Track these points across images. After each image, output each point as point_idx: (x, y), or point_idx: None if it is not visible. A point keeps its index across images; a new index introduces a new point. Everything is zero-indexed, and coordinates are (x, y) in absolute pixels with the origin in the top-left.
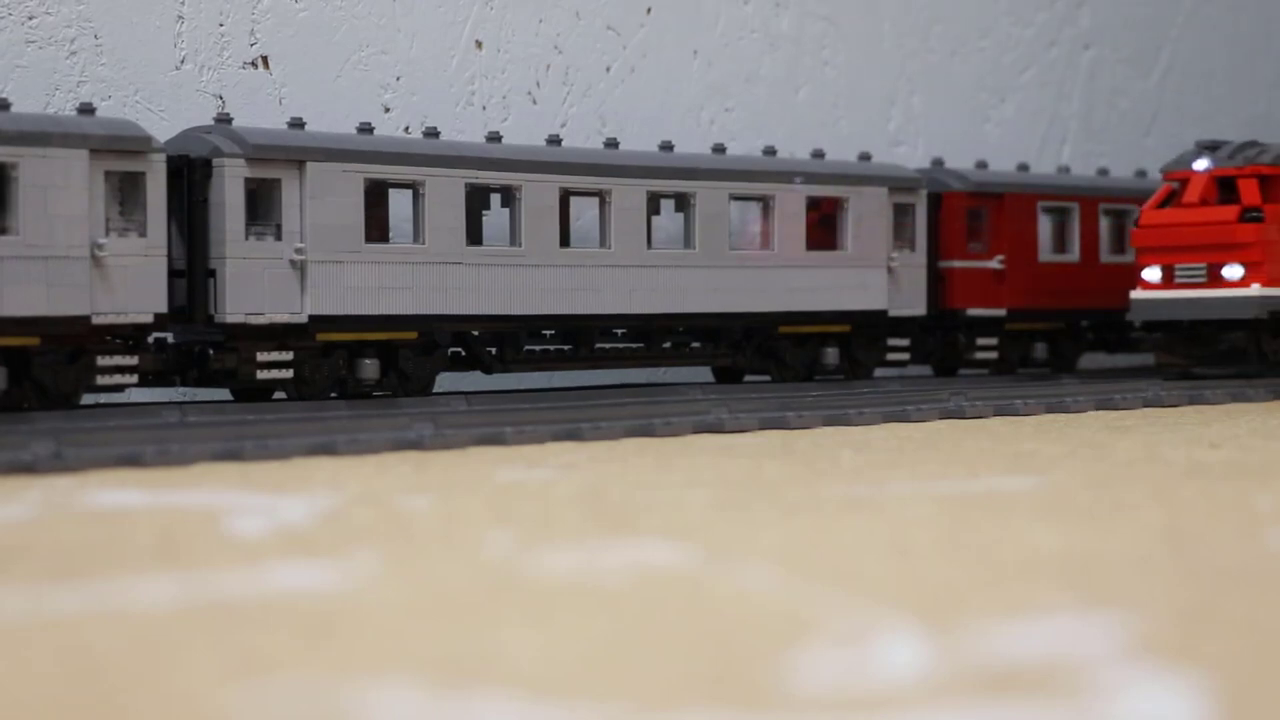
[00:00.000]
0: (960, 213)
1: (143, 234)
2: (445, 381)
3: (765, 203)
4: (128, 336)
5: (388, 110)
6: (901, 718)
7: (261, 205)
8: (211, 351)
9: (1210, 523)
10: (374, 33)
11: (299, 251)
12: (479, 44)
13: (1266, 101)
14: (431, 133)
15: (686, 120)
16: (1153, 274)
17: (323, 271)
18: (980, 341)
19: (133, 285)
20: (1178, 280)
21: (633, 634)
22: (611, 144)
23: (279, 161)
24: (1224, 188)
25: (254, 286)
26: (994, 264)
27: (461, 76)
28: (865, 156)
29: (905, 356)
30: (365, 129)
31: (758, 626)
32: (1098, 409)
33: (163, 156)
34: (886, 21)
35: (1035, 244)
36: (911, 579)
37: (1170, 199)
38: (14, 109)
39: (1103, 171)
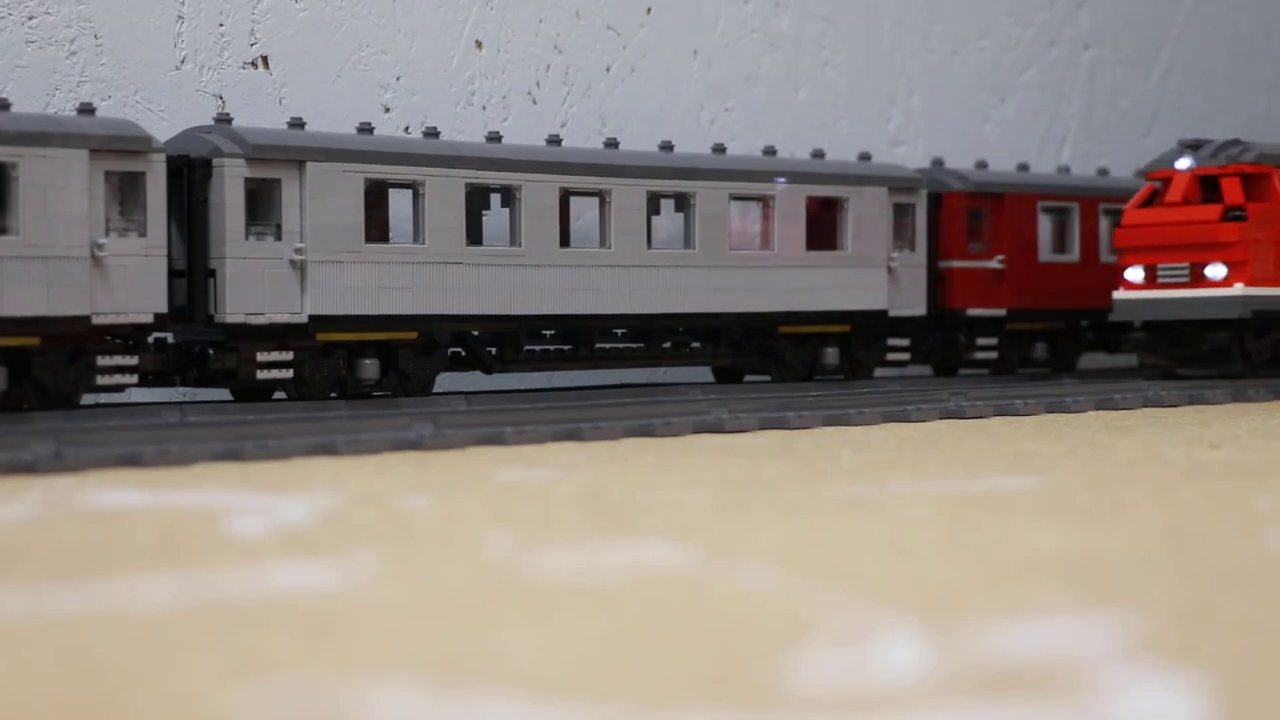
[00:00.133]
0: (960, 213)
1: (143, 234)
2: (445, 381)
3: (765, 203)
4: (128, 336)
5: (388, 110)
6: (901, 718)
7: (261, 205)
8: (211, 351)
9: (1210, 523)
10: (374, 33)
11: (299, 251)
12: (479, 44)
13: (1266, 101)
14: (431, 133)
15: (686, 120)
16: (1135, 274)
17: (323, 271)
18: (980, 341)
19: (133, 285)
20: (1160, 280)
21: (633, 634)
22: (611, 144)
23: (279, 161)
24: (1207, 187)
25: (254, 286)
26: (994, 264)
27: (461, 76)
28: (865, 156)
29: (905, 356)
30: (365, 129)
31: (758, 626)
32: (1098, 409)
33: (163, 156)
34: (886, 21)
35: (1035, 244)
36: (911, 579)
37: (1153, 198)
38: (14, 109)
39: (1103, 171)
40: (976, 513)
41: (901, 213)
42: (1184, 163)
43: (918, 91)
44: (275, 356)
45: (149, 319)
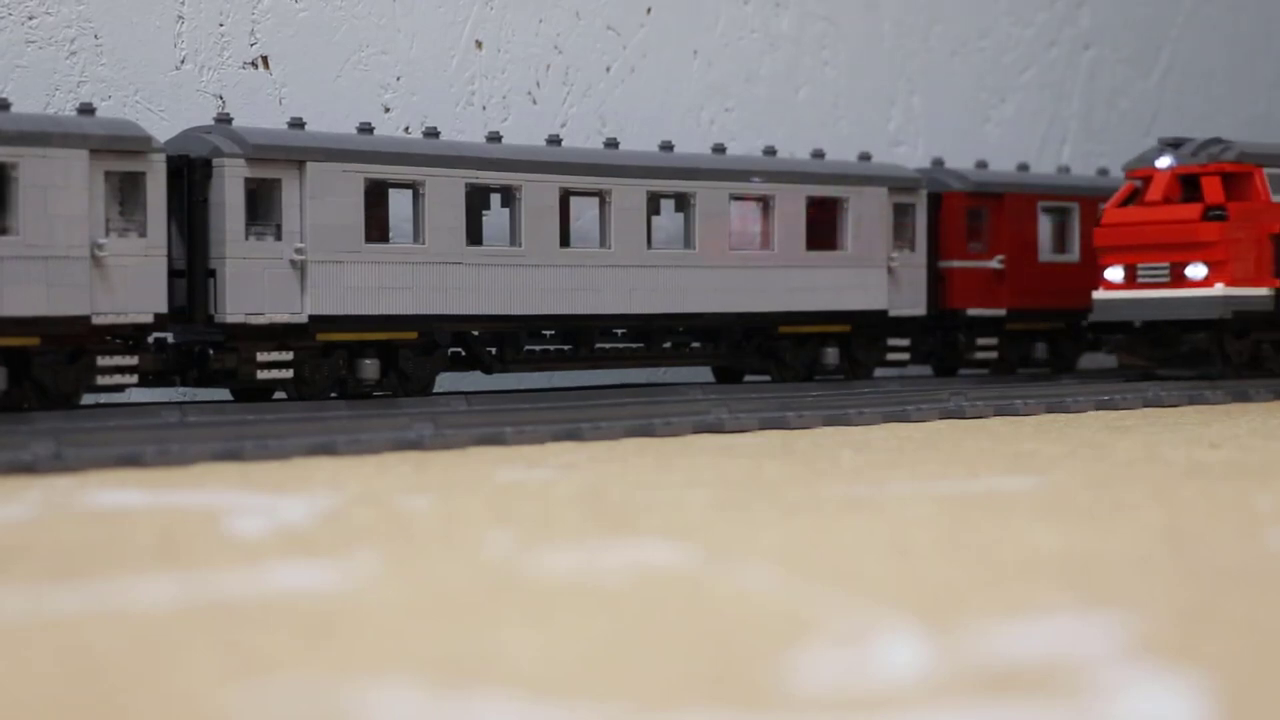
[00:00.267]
0: (960, 213)
1: (143, 234)
2: (445, 381)
3: (765, 203)
4: (128, 336)
5: (388, 110)
6: (901, 718)
7: (261, 205)
8: (211, 351)
9: (1210, 523)
10: (374, 33)
11: (299, 251)
12: (479, 44)
13: (1266, 101)
14: (431, 133)
15: (686, 120)
16: (1115, 274)
17: (323, 271)
18: (980, 341)
19: (133, 285)
20: (1140, 280)
21: (633, 634)
22: (611, 144)
23: (279, 161)
24: (1187, 185)
25: (254, 286)
26: (994, 264)
27: (461, 76)
28: (865, 156)
29: (905, 356)
30: (365, 129)
31: (758, 626)
32: (1098, 409)
33: (163, 156)
34: (886, 21)
35: (1035, 244)
36: (911, 579)
37: (1133, 197)
38: (14, 109)
39: (1103, 171)
40: (976, 513)
41: (901, 213)
42: (1164, 161)
43: (918, 91)
44: (275, 356)
45: (149, 319)
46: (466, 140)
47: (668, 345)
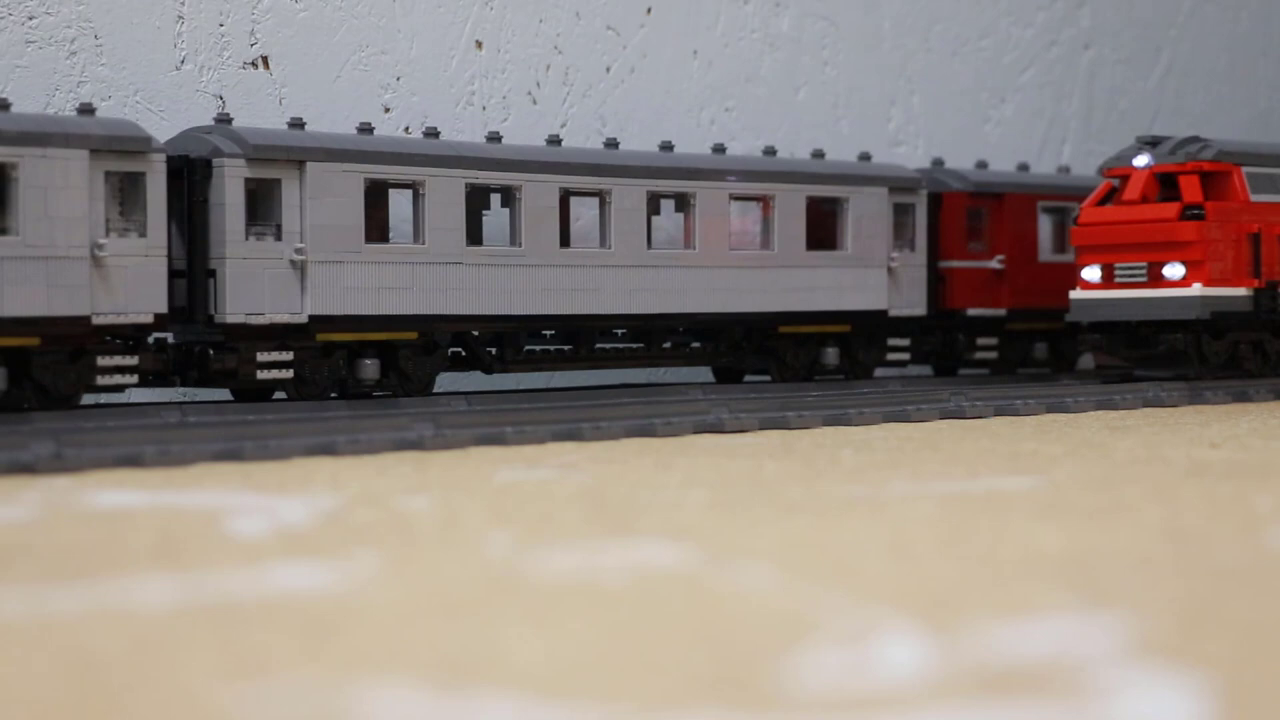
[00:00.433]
0: (960, 213)
1: (143, 234)
2: (445, 381)
3: (765, 203)
4: (128, 337)
5: (388, 110)
6: (901, 718)
7: (261, 205)
8: (211, 352)
9: (1210, 522)
10: (374, 33)
11: (299, 252)
12: (479, 44)
13: (1267, 101)
14: (431, 133)
15: (686, 120)
16: (1092, 273)
17: (323, 271)
18: (980, 341)
19: (133, 285)
20: (1118, 280)
21: (633, 634)
22: (611, 144)
23: (279, 161)
24: (1165, 184)
25: (254, 286)
26: (994, 264)
27: (461, 76)
28: (865, 156)
29: (905, 356)
30: (365, 129)
31: (758, 626)
32: (1098, 409)
33: (163, 156)
34: (886, 21)
35: (1035, 244)
36: (911, 579)
37: (1111, 196)
38: (14, 109)
39: None
40: (976, 513)
41: (901, 213)
42: (1142, 160)
43: (918, 91)
44: (275, 357)
45: (149, 319)
46: (466, 140)
47: (668, 345)
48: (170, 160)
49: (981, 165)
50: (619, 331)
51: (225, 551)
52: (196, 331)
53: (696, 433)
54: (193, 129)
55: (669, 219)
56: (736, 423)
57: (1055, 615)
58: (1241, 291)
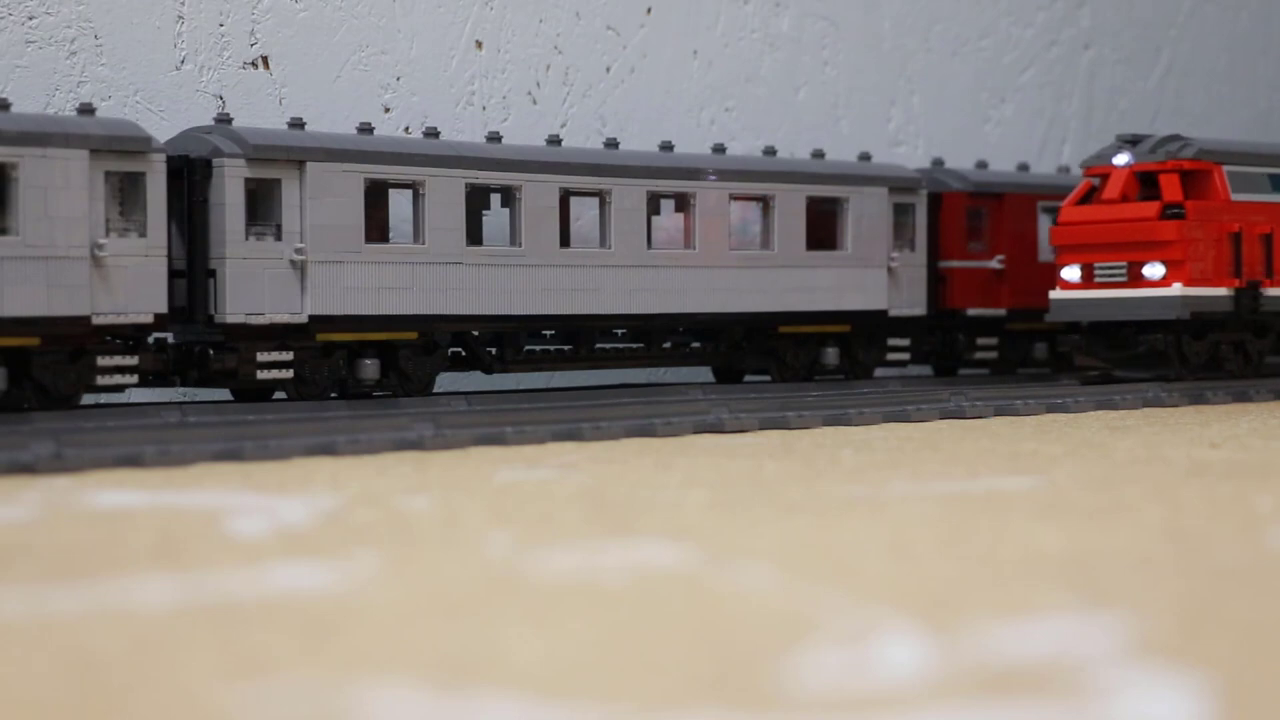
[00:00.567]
0: (960, 213)
1: (143, 234)
2: (445, 381)
3: (765, 203)
4: (128, 337)
5: (388, 110)
6: (901, 718)
7: (261, 205)
8: (211, 352)
9: (1210, 522)
10: (374, 33)
11: (299, 252)
12: (479, 44)
13: (1267, 101)
14: (431, 133)
15: (686, 120)
16: (1072, 273)
17: (323, 271)
18: (980, 341)
19: (133, 285)
20: (1098, 280)
21: (633, 634)
22: (611, 144)
23: (279, 161)
24: (1145, 183)
25: (254, 286)
26: (994, 264)
27: (461, 76)
28: (865, 156)
29: (905, 356)
30: (365, 129)
31: (758, 626)
32: (1098, 409)
33: (163, 156)
34: (886, 21)
35: (1035, 244)
36: (911, 579)
37: (1091, 195)
38: (14, 109)
39: None
40: (976, 513)
41: (901, 213)
42: (1122, 158)
43: (918, 91)
44: (275, 357)
45: (149, 319)
46: (466, 140)
47: (668, 345)
48: (170, 160)
49: (981, 165)
50: (619, 331)
51: (225, 551)
52: (196, 331)
53: (696, 433)
54: (193, 129)
55: (669, 219)
56: (736, 423)
57: (1055, 615)
58: (1222, 291)
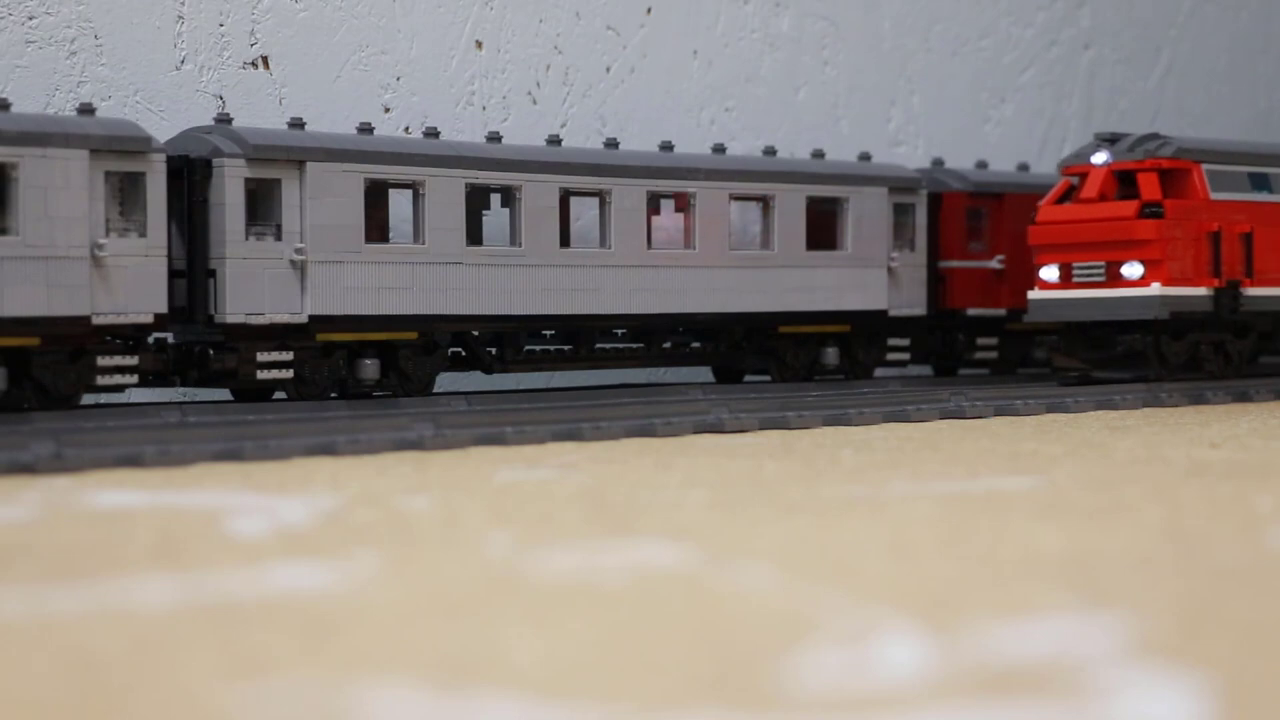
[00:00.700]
0: (960, 213)
1: (143, 234)
2: (445, 381)
3: (765, 203)
4: (128, 337)
5: (388, 110)
6: (901, 718)
7: (261, 205)
8: (211, 352)
9: (1210, 522)
10: (374, 33)
11: (299, 252)
12: (479, 44)
13: (1266, 101)
14: (431, 133)
15: (686, 120)
16: (1050, 273)
17: (323, 271)
18: (980, 341)
19: (133, 285)
20: (1076, 279)
21: (633, 634)
22: (611, 144)
23: (279, 161)
24: (1124, 182)
25: (254, 287)
26: (994, 264)
27: (461, 76)
28: (865, 156)
29: (905, 356)
30: (365, 129)
31: (758, 626)
32: (1098, 409)
33: (163, 156)
34: (886, 21)
35: None
36: (911, 579)
37: (1069, 194)
38: (14, 109)
39: None
40: (976, 513)
41: (901, 213)
42: (1100, 157)
43: (918, 91)
44: (275, 357)
45: (149, 319)
46: (466, 140)
47: (667, 345)
48: (170, 160)
49: (981, 165)
50: (619, 331)
51: (225, 551)
52: (196, 331)
53: (696, 433)
54: (193, 129)
55: (669, 219)
56: (736, 423)
57: (1055, 615)
58: (1201, 291)
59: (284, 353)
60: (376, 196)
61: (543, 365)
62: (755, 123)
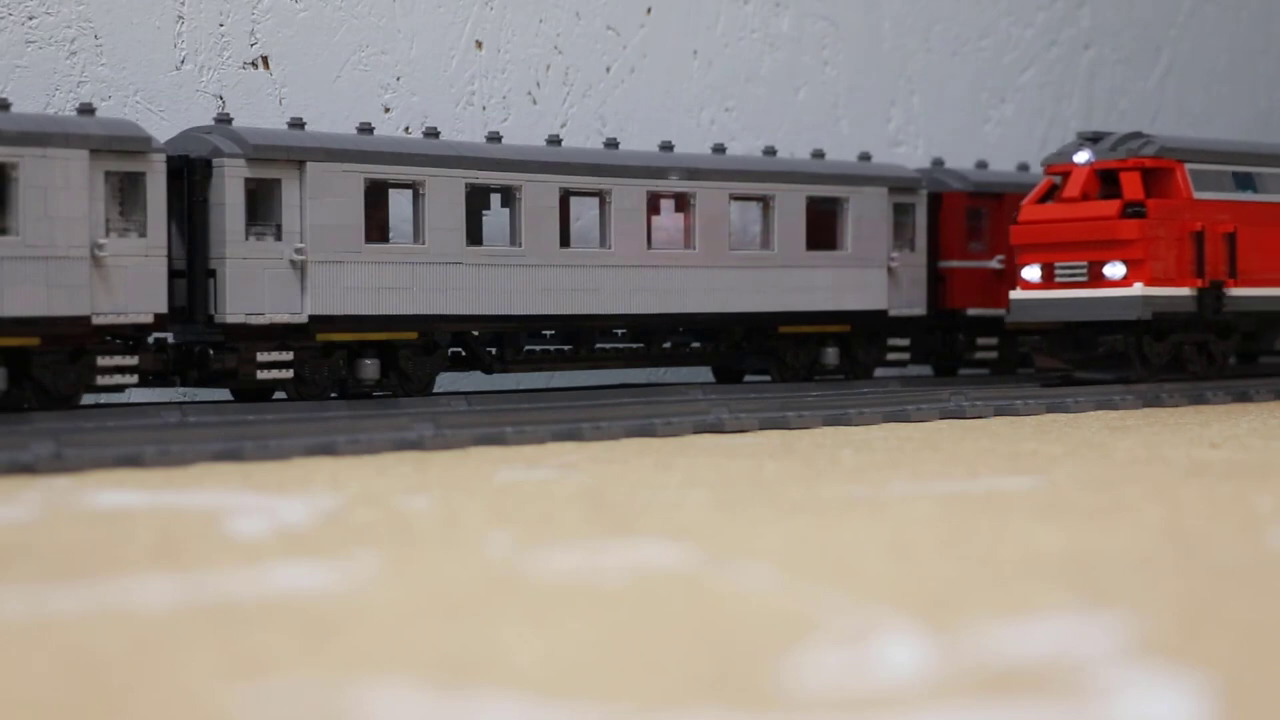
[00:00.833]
0: (960, 213)
1: (143, 234)
2: (445, 381)
3: (765, 203)
4: (128, 337)
5: (388, 110)
6: (901, 718)
7: (261, 205)
8: (211, 352)
9: (1210, 522)
10: (374, 33)
11: (299, 252)
12: (479, 44)
13: (1266, 101)
14: (431, 133)
15: (686, 120)
16: (1032, 273)
17: (323, 271)
18: (980, 341)
19: (133, 285)
20: (1058, 279)
21: (633, 634)
22: (611, 144)
23: (279, 161)
24: (1106, 181)
25: (254, 287)
26: (994, 264)
27: (461, 76)
28: (865, 156)
29: (905, 356)
30: (365, 129)
31: (758, 626)
32: (1098, 409)
33: (163, 156)
34: (886, 21)
35: None
36: (911, 579)
37: (1052, 193)
38: (14, 109)
39: None
40: (976, 513)
41: (901, 213)
42: (1082, 156)
43: (918, 91)
44: (275, 357)
45: (149, 319)
46: (466, 140)
47: (667, 345)
48: (170, 160)
49: (981, 165)
50: (619, 331)
51: (225, 551)
52: (196, 331)
53: (696, 433)
54: (193, 129)
55: (669, 219)
56: (736, 423)
57: (1055, 615)
58: (1184, 291)
59: (284, 353)
60: (376, 196)
61: (543, 365)
62: (755, 123)
